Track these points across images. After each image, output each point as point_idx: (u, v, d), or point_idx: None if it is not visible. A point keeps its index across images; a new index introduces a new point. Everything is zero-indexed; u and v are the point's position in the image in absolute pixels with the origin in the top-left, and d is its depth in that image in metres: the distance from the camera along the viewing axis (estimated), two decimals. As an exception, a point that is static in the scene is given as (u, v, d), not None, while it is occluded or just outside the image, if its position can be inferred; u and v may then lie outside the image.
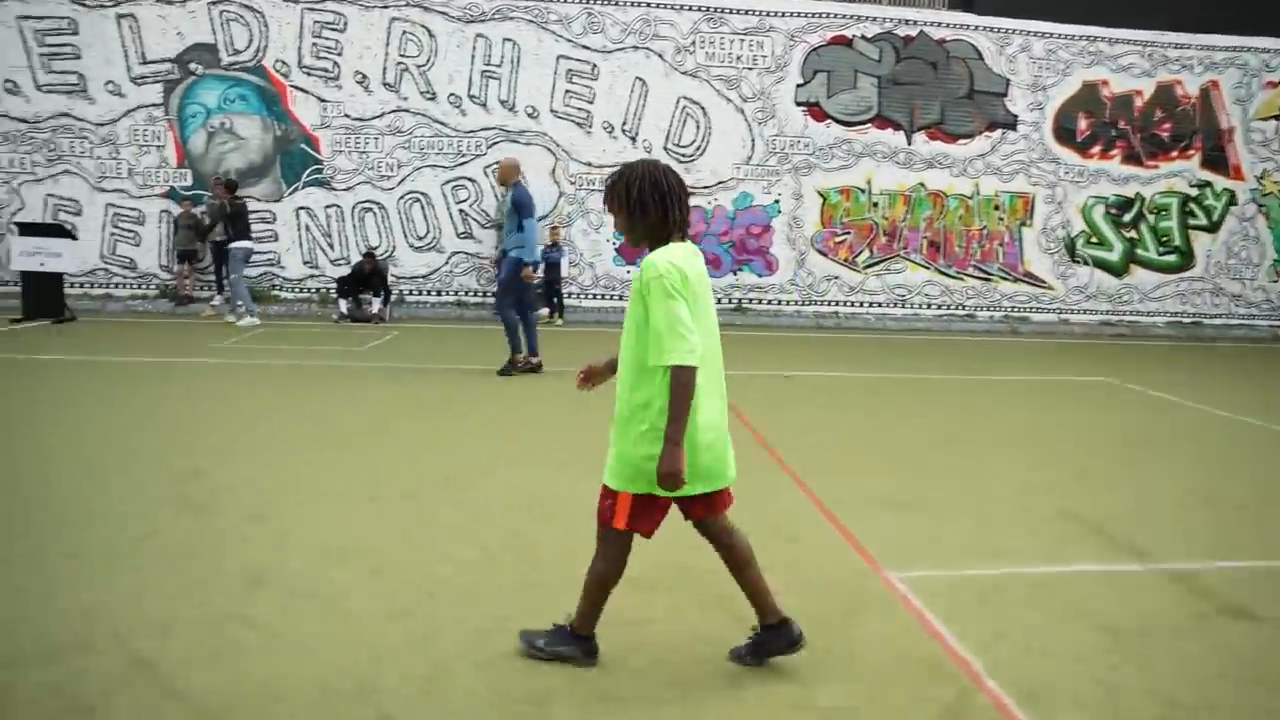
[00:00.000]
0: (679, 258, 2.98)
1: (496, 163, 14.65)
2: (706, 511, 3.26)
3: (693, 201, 15.56)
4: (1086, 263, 16.82)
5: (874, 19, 15.88)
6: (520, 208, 9.36)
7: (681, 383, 2.90)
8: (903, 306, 16.43)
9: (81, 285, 14.80)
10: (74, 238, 13.48)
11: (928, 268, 16.48)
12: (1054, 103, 16.37)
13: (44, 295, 12.91)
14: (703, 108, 15.59)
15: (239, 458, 5.89)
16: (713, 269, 15.85)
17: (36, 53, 14.84)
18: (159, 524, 4.56)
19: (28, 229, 13.16)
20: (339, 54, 14.91)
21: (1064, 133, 16.46)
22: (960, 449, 6.88)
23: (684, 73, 15.49)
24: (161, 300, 15.02)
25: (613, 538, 3.20)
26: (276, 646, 3.33)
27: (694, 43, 15.47)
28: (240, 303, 13.23)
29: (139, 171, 15.05)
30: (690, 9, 15.39)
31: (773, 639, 3.29)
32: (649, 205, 3.00)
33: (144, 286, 15.23)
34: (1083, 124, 16.49)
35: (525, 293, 9.58)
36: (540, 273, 14.67)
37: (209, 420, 6.99)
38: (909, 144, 16.14)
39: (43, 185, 15.02)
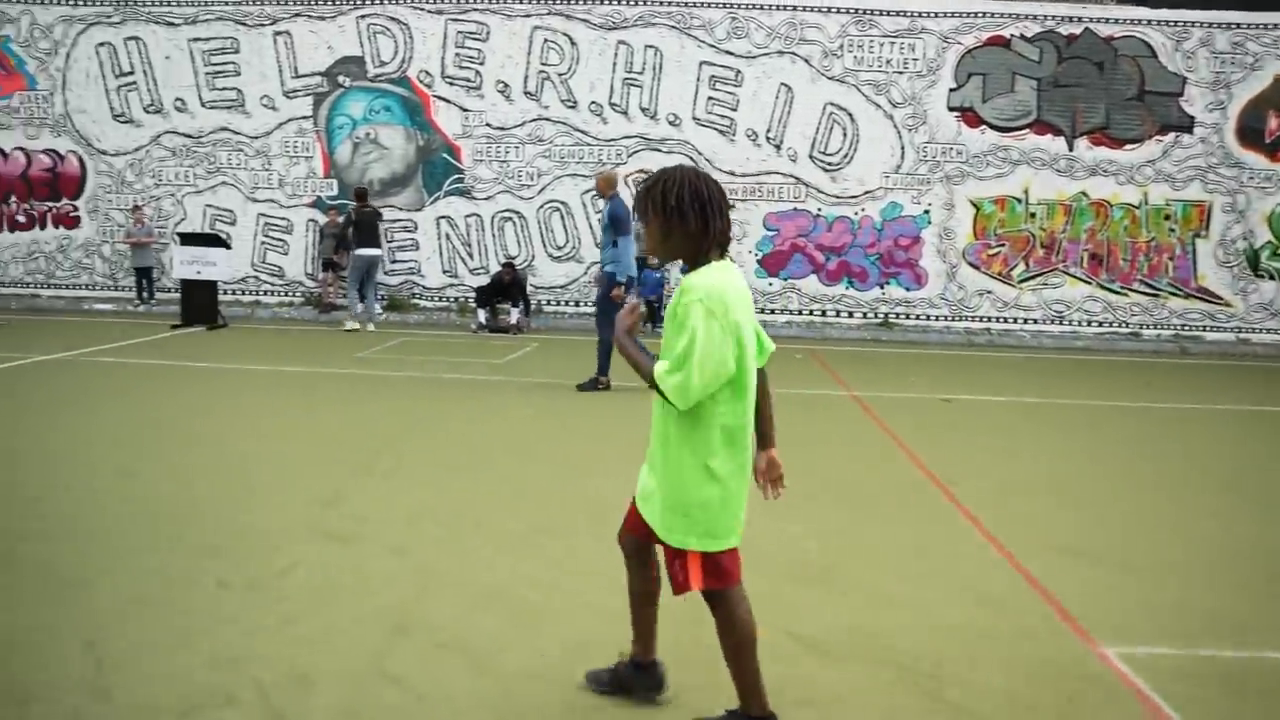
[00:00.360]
0: (719, 279, 2.66)
1: (640, 171, 14.58)
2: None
3: (839, 212, 15.11)
4: (1272, 277, 15.39)
5: (1034, 17, 14.93)
6: (616, 223, 8.82)
7: (660, 388, 2.63)
8: (1060, 323, 15.38)
9: (233, 292, 15.29)
10: (228, 247, 13.89)
11: (1089, 282, 15.38)
12: (1238, 101, 15.02)
13: (200, 302, 13.35)
14: (850, 114, 14.97)
15: (380, 480, 5.71)
16: (859, 282, 15.22)
17: (202, 72, 15.47)
18: (301, 555, 4.37)
19: (188, 239, 13.65)
20: (481, 63, 14.96)
21: (1249, 134, 15.09)
22: (1150, 490, 6.15)
23: (831, 78, 14.90)
24: (306, 307, 15.36)
25: (717, 600, 2.81)
26: (421, 710, 3.03)
27: (841, 46, 14.87)
28: (353, 306, 13.67)
29: (288, 182, 15.46)
30: (838, 12, 14.80)
31: (643, 679, 3.12)
32: (688, 214, 2.66)
33: (290, 294, 15.63)
34: (1273, 123, 15.09)
35: (608, 302, 9.02)
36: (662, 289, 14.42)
37: (350, 437, 6.88)
38: (1070, 150, 15.11)
39: (202, 196, 15.64)
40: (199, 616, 3.66)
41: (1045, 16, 14.91)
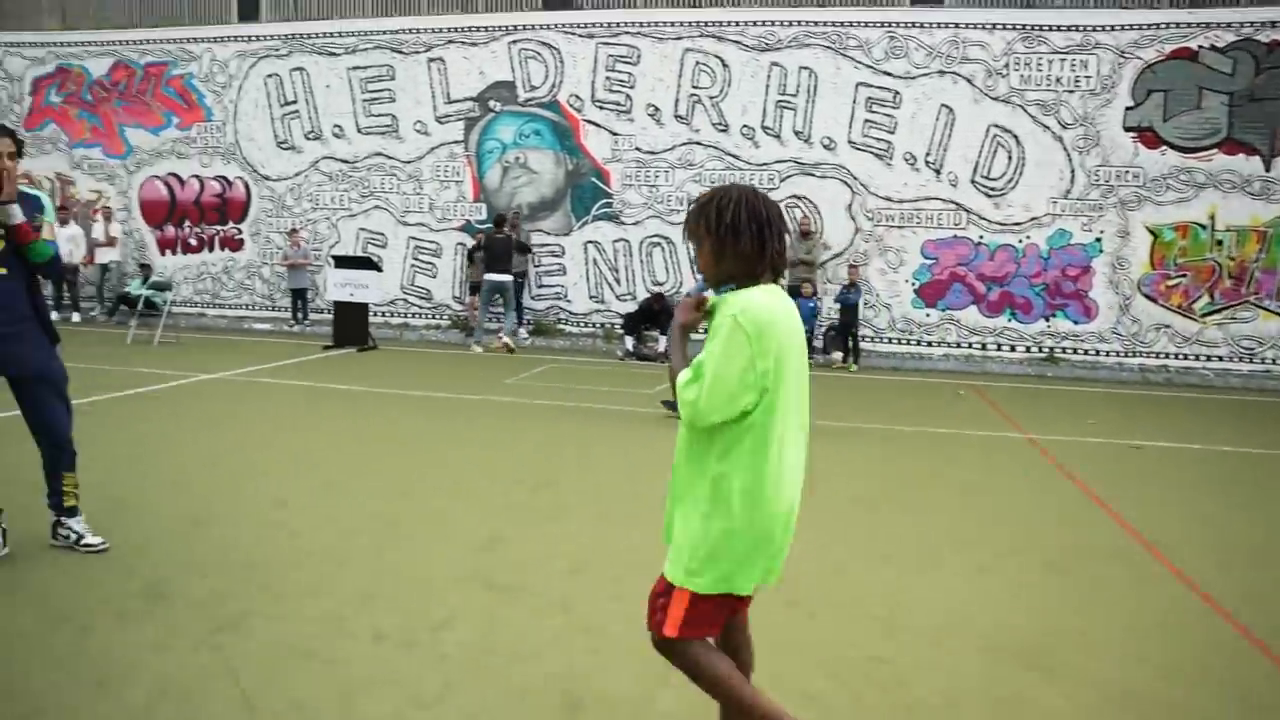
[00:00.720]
0: (764, 300, 2.43)
1: (793, 197, 14.16)
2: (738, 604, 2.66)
3: (1002, 239, 14.25)
4: None
5: (1228, 25, 13.75)
6: None
7: (671, 382, 2.48)
8: (1251, 361, 14.05)
9: (382, 314, 15.55)
10: (380, 270, 14.12)
11: (1285, 316, 14.02)
12: None
13: (351, 324, 13.58)
14: (1015, 136, 14.12)
15: (538, 522, 5.42)
16: (1022, 313, 14.30)
17: (360, 99, 15.91)
18: (460, 606, 4.09)
19: (342, 261, 13.94)
20: (631, 87, 14.82)
21: None
22: None
23: (995, 98, 14.11)
24: (453, 330, 15.48)
25: (678, 650, 2.55)
26: (604, 810, 2.67)
27: (1007, 65, 14.06)
28: (477, 331, 14.17)
29: (438, 205, 15.68)
30: (1004, 28, 14.02)
31: None
32: (742, 233, 2.45)
33: (437, 317, 15.79)
34: None
35: None
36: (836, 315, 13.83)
37: (504, 472, 6.65)
38: (1268, 170, 13.82)
39: (356, 220, 16.02)
40: (357, 673, 3.41)
41: (1242, 24, 13.72)
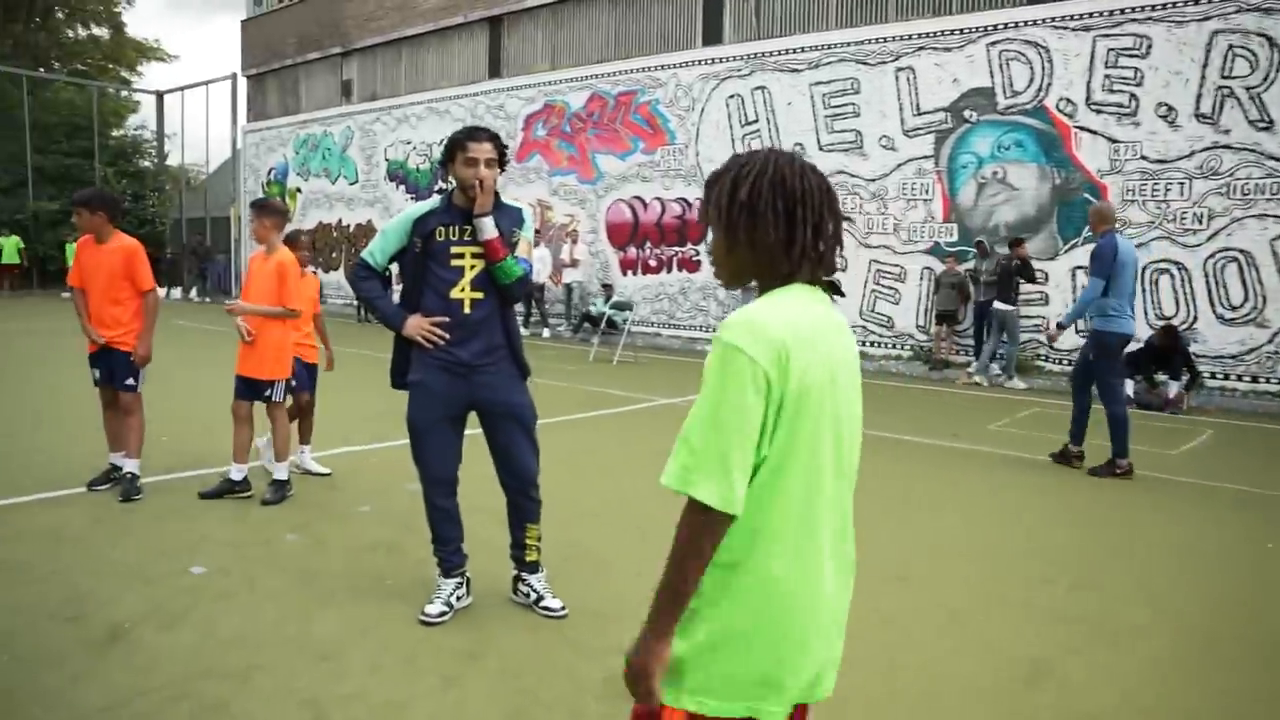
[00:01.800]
0: (786, 314, 1.59)
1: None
2: None
3: None
4: None
5: None
6: (1092, 261, 7.34)
7: (695, 529, 1.56)
8: None
9: (838, 341, 14.75)
10: (842, 294, 13.28)
11: None
12: None
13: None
14: None
15: (1093, 646, 4.09)
16: None
17: (822, 115, 15.35)
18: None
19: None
20: (1138, 84, 12.58)
21: None
22: None
23: None
24: (914, 362, 14.26)
25: None
26: None
27: None
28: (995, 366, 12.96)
29: (904, 226, 14.55)
30: None
31: None
32: (763, 215, 1.63)
33: (898, 347, 14.66)
34: None
35: (1102, 366, 7.32)
36: None
37: (1019, 557, 5.37)
38: None
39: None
40: None
41: None
